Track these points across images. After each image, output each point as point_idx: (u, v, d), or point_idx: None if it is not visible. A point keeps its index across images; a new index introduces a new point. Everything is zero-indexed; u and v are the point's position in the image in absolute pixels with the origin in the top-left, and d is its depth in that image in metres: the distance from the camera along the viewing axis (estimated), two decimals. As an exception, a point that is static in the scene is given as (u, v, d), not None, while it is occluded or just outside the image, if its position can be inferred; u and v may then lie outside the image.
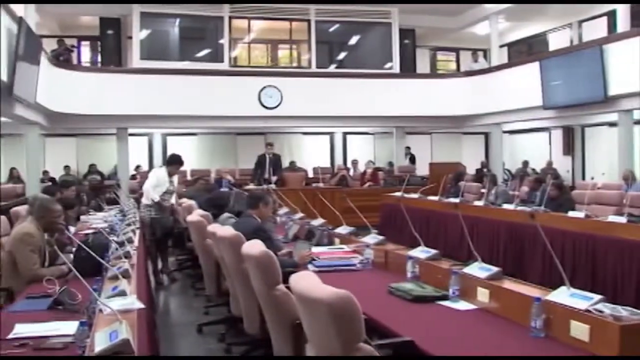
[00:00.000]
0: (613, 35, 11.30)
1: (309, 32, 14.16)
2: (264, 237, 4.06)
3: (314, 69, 14.12)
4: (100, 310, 2.69)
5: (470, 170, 13.88)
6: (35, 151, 10.87)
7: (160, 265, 7.52)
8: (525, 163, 14.78)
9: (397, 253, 4.27)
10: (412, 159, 15.47)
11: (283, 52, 15.48)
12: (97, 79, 12.28)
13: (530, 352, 2.53)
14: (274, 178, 11.32)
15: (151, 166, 14.18)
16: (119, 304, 2.76)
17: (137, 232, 5.89)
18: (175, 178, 7.53)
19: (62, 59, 12.17)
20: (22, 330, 2.68)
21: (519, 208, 7.42)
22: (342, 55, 15.15)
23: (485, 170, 13.26)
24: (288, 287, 2.77)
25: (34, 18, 11.00)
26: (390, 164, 15.15)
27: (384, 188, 12.16)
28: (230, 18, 13.77)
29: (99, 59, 15.01)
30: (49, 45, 11.88)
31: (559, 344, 2.55)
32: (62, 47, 12.56)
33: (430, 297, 3.34)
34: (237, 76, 13.20)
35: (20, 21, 8.16)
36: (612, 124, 12.20)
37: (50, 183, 11.39)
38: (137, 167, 14.47)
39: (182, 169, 8.54)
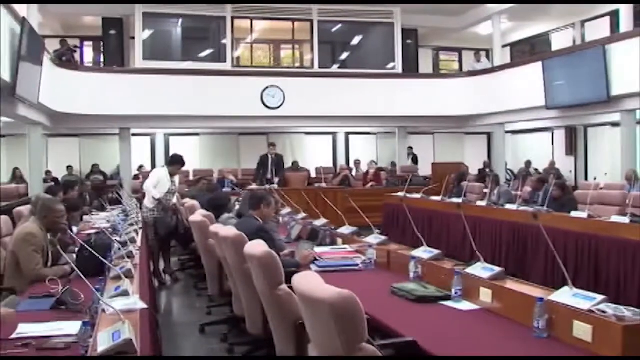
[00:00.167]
0: (616, 35, 11.27)
1: (312, 32, 14.16)
2: (265, 237, 4.06)
3: (316, 69, 14.12)
4: (103, 310, 2.70)
5: (473, 170, 13.87)
6: (37, 151, 10.88)
7: (162, 265, 7.52)
8: (528, 163, 14.76)
9: (399, 253, 4.27)
10: (415, 159, 15.46)
11: (285, 52, 15.48)
12: (99, 79, 12.30)
13: (533, 353, 2.53)
14: (276, 179, 11.32)
15: (154, 166, 14.18)
16: (122, 304, 2.77)
17: (140, 232, 5.90)
18: (177, 178, 7.54)
19: (65, 59, 12.17)
20: (25, 330, 2.68)
21: (522, 208, 7.41)
22: (344, 56, 15.15)
23: (487, 170, 13.25)
24: (291, 287, 2.77)
25: (36, 18, 11.04)
26: (393, 164, 15.12)
27: (387, 188, 12.16)
28: (233, 18, 13.78)
29: (102, 59, 15.05)
30: (52, 45, 11.89)
31: (562, 344, 2.55)
32: (64, 47, 12.57)
33: (433, 297, 3.33)
34: (240, 76, 13.20)
35: (23, 21, 8.18)
36: (614, 124, 12.18)
37: (52, 183, 11.40)
38: (140, 167, 14.48)
39: (184, 169, 8.56)
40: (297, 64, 14.98)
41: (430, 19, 15.09)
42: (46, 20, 13.01)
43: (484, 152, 16.93)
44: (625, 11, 11.42)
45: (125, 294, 3.03)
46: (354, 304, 2.16)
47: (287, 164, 13.40)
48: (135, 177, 13.63)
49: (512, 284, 3.15)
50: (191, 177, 13.45)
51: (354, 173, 14.22)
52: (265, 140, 14.87)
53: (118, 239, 4.76)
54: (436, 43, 17.30)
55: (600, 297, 2.58)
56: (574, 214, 6.63)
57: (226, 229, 4.27)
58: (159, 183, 7.26)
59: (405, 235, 8.44)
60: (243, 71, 13.69)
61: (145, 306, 2.89)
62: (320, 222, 6.21)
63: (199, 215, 5.86)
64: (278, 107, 12.91)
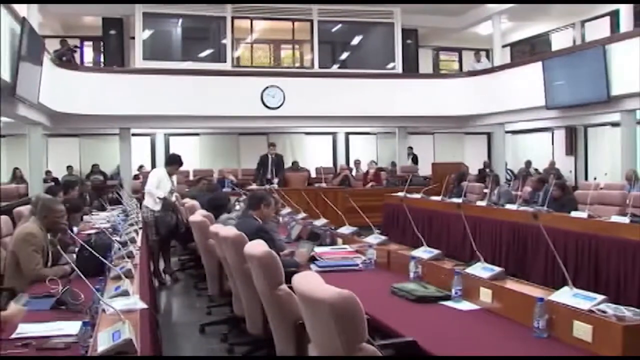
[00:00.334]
0: (616, 35, 11.27)
1: (312, 32, 14.16)
2: (265, 237, 4.06)
3: (316, 69, 14.12)
4: (103, 310, 2.70)
5: (473, 170, 13.87)
6: (38, 151, 10.88)
7: (162, 265, 7.52)
8: (528, 163, 14.76)
9: (399, 253, 4.27)
10: (415, 159, 15.46)
11: (285, 52, 15.48)
12: (99, 79, 12.30)
13: (533, 353, 2.53)
14: (275, 180, 11.31)
15: (154, 166, 14.17)
16: (122, 304, 2.77)
17: (140, 232, 5.90)
18: (175, 178, 7.54)
19: (65, 59, 12.18)
20: (25, 330, 2.68)
21: (522, 208, 7.41)
22: (344, 56, 15.14)
23: (487, 170, 13.25)
24: (291, 287, 2.77)
25: (36, 18, 11.03)
26: (393, 164, 15.12)
27: (387, 188, 12.16)
28: (233, 18, 13.78)
29: (102, 59, 15.05)
30: (52, 45, 11.90)
31: (562, 345, 2.55)
32: (64, 47, 12.57)
33: (433, 297, 3.34)
34: (240, 76, 13.20)
35: (23, 21, 8.17)
36: (614, 124, 12.18)
37: (52, 183, 11.40)
38: (140, 167, 14.48)
39: (184, 169, 8.55)
40: (297, 64, 14.98)
41: (430, 19, 15.09)
42: (46, 20, 13.01)
43: (484, 152, 16.93)
44: (625, 11, 11.42)
45: (125, 294, 3.03)
46: (354, 304, 2.16)
47: (287, 164, 13.40)
48: (136, 177, 13.64)
49: (512, 284, 3.15)
50: (191, 177, 13.45)
51: (354, 173, 14.22)
52: (265, 140, 14.87)
53: (118, 239, 4.76)
54: (436, 43, 17.30)
55: (600, 297, 2.58)
56: (574, 214, 6.64)
57: (226, 229, 4.27)
58: (160, 183, 7.26)
59: (405, 235, 8.44)
60: (243, 71, 13.69)
61: (145, 306, 2.89)
62: (320, 222, 6.22)
63: (199, 215, 5.86)
64: (278, 107, 12.91)
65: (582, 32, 14.50)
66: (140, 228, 6.16)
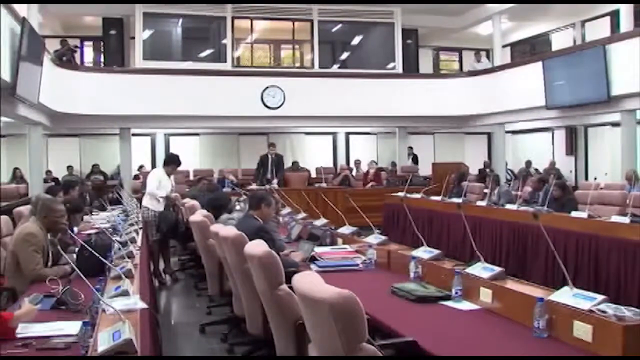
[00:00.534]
0: (616, 35, 11.27)
1: (312, 32, 14.16)
2: (266, 237, 4.06)
3: (316, 69, 14.12)
4: (103, 310, 2.70)
5: (473, 170, 13.87)
6: (38, 151, 10.88)
7: (162, 265, 7.52)
8: (528, 163, 14.75)
9: (399, 253, 4.27)
10: (415, 159, 15.46)
11: (286, 52, 15.48)
12: (99, 79, 12.29)
13: (533, 353, 2.53)
14: (275, 180, 11.31)
15: (154, 166, 14.17)
16: (122, 304, 2.77)
17: (140, 232, 5.90)
18: (172, 178, 7.54)
19: (65, 59, 12.18)
20: (25, 330, 2.68)
21: (522, 208, 7.41)
22: (344, 55, 15.14)
23: (488, 170, 13.24)
24: (291, 287, 2.77)
25: (36, 18, 11.03)
26: (393, 164, 15.12)
27: (387, 188, 12.15)
28: (233, 18, 13.78)
29: (102, 59, 15.05)
30: (52, 45, 11.89)
31: (562, 344, 2.55)
32: (65, 47, 12.57)
33: (433, 297, 3.34)
34: (240, 76, 13.20)
35: (23, 21, 8.17)
36: (615, 124, 12.18)
37: (53, 183, 11.40)
38: (140, 167, 14.48)
39: (184, 169, 8.54)
40: (298, 64, 14.97)
41: (431, 19, 15.09)
42: (46, 20, 13.01)
43: (484, 152, 16.93)
44: (626, 11, 11.41)
45: (125, 293, 3.03)
46: (354, 303, 2.16)
47: (287, 164, 13.40)
48: (136, 177, 13.64)
49: (512, 284, 3.15)
50: (191, 177, 13.45)
51: (354, 173, 14.22)
52: (265, 140, 14.86)
53: (118, 239, 4.76)
54: (436, 43, 17.30)
55: (600, 297, 2.58)
56: (574, 214, 6.63)
57: (226, 229, 4.27)
58: (160, 184, 7.28)
59: (405, 235, 8.45)
60: (243, 71, 13.69)
61: (145, 306, 2.90)
62: (320, 222, 6.22)
63: (199, 215, 5.86)
64: (278, 107, 12.91)
65: (582, 32, 14.50)
66: (140, 228, 6.17)
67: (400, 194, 9.78)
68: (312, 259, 4.56)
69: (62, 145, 14.96)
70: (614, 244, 5.68)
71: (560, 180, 8.67)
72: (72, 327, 2.64)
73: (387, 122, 14.42)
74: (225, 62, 13.67)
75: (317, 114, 13.25)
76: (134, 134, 13.40)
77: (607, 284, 5.64)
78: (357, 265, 4.36)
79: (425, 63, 16.85)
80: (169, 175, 7.39)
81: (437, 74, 16.85)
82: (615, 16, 12.63)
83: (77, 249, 4.21)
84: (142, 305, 2.88)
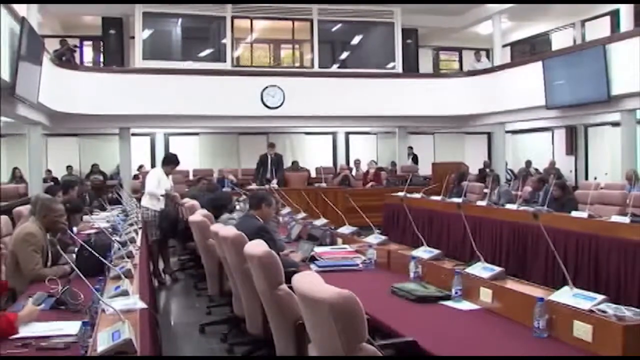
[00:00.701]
0: (616, 34, 11.26)
1: (312, 31, 14.15)
2: (266, 237, 4.06)
3: (316, 68, 14.11)
4: (103, 310, 2.70)
5: (473, 170, 13.87)
6: (37, 151, 10.88)
7: (162, 265, 7.52)
8: (528, 163, 14.75)
9: (399, 253, 4.27)
10: (415, 159, 15.46)
11: (285, 52, 15.48)
12: (99, 79, 12.29)
13: (533, 352, 2.53)
14: (275, 180, 11.31)
15: (154, 166, 14.16)
16: (122, 304, 2.77)
17: (140, 232, 5.90)
18: (171, 177, 7.54)
19: (65, 58, 12.18)
20: (24, 330, 2.68)
21: (522, 208, 7.41)
22: (344, 55, 15.13)
23: (488, 170, 13.25)
24: (291, 287, 2.77)
25: (36, 18, 11.02)
26: (393, 163, 15.13)
27: (387, 188, 12.16)
28: (233, 18, 13.77)
29: (102, 59, 15.04)
30: (52, 45, 11.90)
31: (562, 344, 2.55)
32: (64, 47, 12.57)
33: (433, 297, 3.34)
34: (240, 76, 13.20)
35: (22, 21, 8.17)
36: (615, 124, 12.18)
37: (52, 183, 11.40)
38: (140, 167, 14.47)
39: (184, 168, 8.53)
40: (297, 64, 14.97)
41: (431, 19, 15.08)
42: (46, 20, 13.00)
43: (484, 151, 16.93)
44: (626, 10, 11.41)
45: (124, 293, 3.03)
46: (354, 303, 2.16)
47: (287, 163, 13.41)
48: (135, 177, 13.64)
49: (512, 284, 3.15)
50: (191, 177, 13.45)
51: (354, 173, 14.22)
52: (265, 140, 14.86)
53: (118, 238, 4.76)
54: (436, 43, 17.29)
55: (600, 297, 2.58)
56: (574, 213, 6.63)
57: (226, 229, 4.27)
58: (159, 183, 7.28)
59: (405, 235, 8.45)
60: (243, 71, 13.68)
61: (144, 306, 2.89)
62: (320, 222, 6.22)
63: (199, 215, 5.86)
64: (278, 107, 12.90)
65: (582, 31, 14.50)
66: (139, 228, 6.17)
67: (400, 193, 9.79)
68: (312, 259, 4.56)
69: (62, 145, 14.96)
70: (614, 244, 5.68)
71: (560, 180, 8.67)
72: (71, 327, 2.64)
73: (387, 121, 14.42)
74: (225, 61, 13.67)
75: (316, 114, 13.24)
76: (133, 134, 13.40)
77: (607, 283, 5.64)
78: (357, 265, 4.36)
79: (425, 63, 16.85)
80: (167, 174, 7.40)
81: (437, 73, 16.85)
82: (615, 16, 12.63)
83: (76, 249, 4.21)
84: (141, 305, 2.88)
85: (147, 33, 13.41)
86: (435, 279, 3.62)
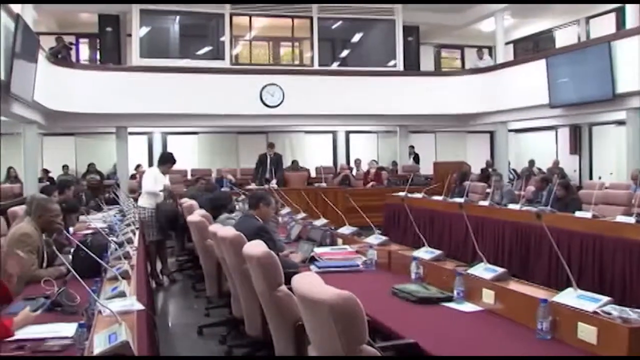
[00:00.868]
0: (622, 31, 11.25)
1: (312, 29, 14.15)
2: (266, 237, 4.07)
3: (316, 66, 14.11)
4: (100, 312, 2.70)
5: (475, 169, 13.87)
6: (33, 150, 10.89)
7: (160, 266, 7.52)
8: (532, 162, 14.76)
9: (400, 254, 4.27)
10: (416, 158, 15.47)
11: (285, 50, 15.48)
12: (96, 77, 12.30)
13: (537, 355, 2.53)
14: (274, 180, 11.31)
15: (151, 165, 14.16)
16: (119, 306, 2.77)
17: (137, 232, 5.90)
18: (167, 177, 7.54)
19: (61, 56, 12.18)
20: (20, 332, 2.68)
21: (525, 208, 7.41)
22: (345, 53, 15.14)
23: (490, 170, 13.25)
24: (290, 288, 2.77)
25: (31, 15, 11.03)
26: (394, 163, 15.13)
27: (388, 188, 12.17)
28: (232, 15, 13.77)
29: (98, 56, 15.02)
30: (47, 42, 11.89)
31: (566, 347, 2.55)
32: (60, 44, 12.57)
33: (435, 298, 3.34)
34: (239, 74, 13.21)
35: (17, 18, 8.17)
36: (620, 123, 12.18)
37: (48, 183, 11.40)
38: (137, 166, 14.47)
39: (182, 168, 8.52)
40: (297, 62, 14.97)
41: (432, 16, 15.07)
42: (41, 17, 13.00)
43: (486, 151, 16.93)
44: (632, 7, 11.40)
45: (122, 295, 3.03)
46: (354, 305, 2.16)
47: (287, 163, 13.41)
48: (133, 177, 13.63)
49: (515, 285, 3.15)
50: (189, 177, 13.44)
51: (354, 172, 14.23)
52: (264, 139, 14.86)
53: (115, 239, 4.76)
54: (438, 40, 17.28)
55: (605, 299, 2.58)
56: (578, 214, 6.63)
57: (225, 229, 4.27)
58: (156, 182, 7.28)
59: (406, 236, 8.46)
60: (242, 69, 13.68)
61: (142, 307, 2.89)
62: (320, 222, 6.22)
63: (197, 215, 5.86)
64: (277, 106, 12.91)
65: (586, 28, 14.50)
66: (137, 228, 6.17)
67: (401, 193, 9.79)
68: (312, 260, 4.56)
69: (58, 144, 14.95)
70: (619, 245, 5.68)
71: (564, 180, 8.68)
72: (67, 329, 2.63)
73: (388, 120, 14.42)
74: (224, 59, 13.66)
75: (316, 113, 13.25)
76: (130, 133, 13.41)
77: (612, 285, 5.64)
78: (358, 266, 4.36)
79: (427, 61, 16.83)
80: (164, 174, 7.39)
81: (438, 71, 16.85)
82: (620, 12, 12.62)
83: (72, 250, 4.20)
84: (139, 306, 2.88)
85: (144, 30, 13.40)
86: (437, 280, 3.61)
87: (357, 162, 14.93)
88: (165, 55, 13.54)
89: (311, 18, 14.14)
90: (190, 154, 15.10)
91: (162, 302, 6.80)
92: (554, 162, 14.46)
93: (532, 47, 16.30)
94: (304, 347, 2.83)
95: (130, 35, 13.70)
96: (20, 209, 5.94)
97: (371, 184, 12.93)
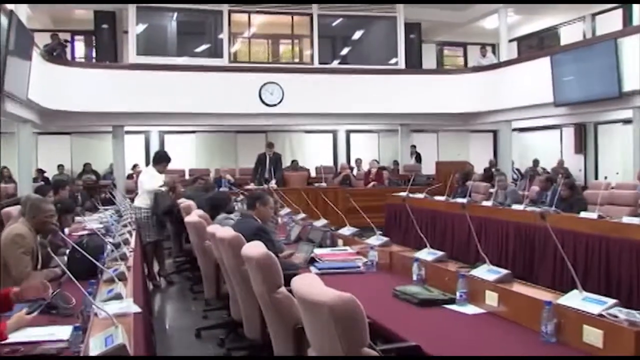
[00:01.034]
0: (629, 28, 11.25)
1: (312, 26, 14.15)
2: (265, 238, 4.07)
3: (316, 64, 14.12)
4: (95, 314, 2.69)
5: (478, 169, 13.87)
6: (27, 150, 10.89)
7: (157, 267, 7.52)
8: (536, 162, 14.75)
9: (402, 255, 4.27)
10: (418, 158, 15.47)
11: (284, 48, 15.48)
12: (91, 75, 12.30)
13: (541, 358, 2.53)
14: (273, 180, 11.31)
15: (148, 165, 14.17)
16: (115, 308, 2.77)
17: (134, 233, 5.90)
18: (164, 176, 7.54)
19: (55, 54, 12.18)
20: (14, 335, 2.68)
21: (529, 209, 7.41)
22: (345, 51, 15.14)
23: (493, 170, 13.25)
24: (290, 290, 2.77)
25: (25, 12, 11.01)
26: (395, 162, 15.14)
27: (389, 188, 12.19)
28: (230, 12, 13.77)
29: (94, 54, 15.03)
30: (42, 40, 11.89)
31: (571, 350, 2.54)
32: (55, 41, 12.57)
33: (437, 300, 3.34)
34: (237, 72, 13.21)
35: (10, 15, 8.16)
36: (626, 121, 12.17)
37: (43, 183, 11.40)
38: (134, 166, 14.47)
39: (180, 167, 8.51)
40: (297, 60, 14.97)
41: (434, 13, 15.08)
42: (35, 14, 12.98)
43: (489, 150, 16.94)
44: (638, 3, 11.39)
45: (118, 297, 3.03)
46: (355, 307, 2.16)
47: (286, 163, 13.42)
48: (129, 177, 13.63)
49: (519, 287, 3.15)
50: (187, 177, 13.45)
51: (355, 172, 14.23)
52: (263, 139, 14.85)
53: (111, 240, 4.76)
54: (440, 38, 17.28)
55: (611, 301, 2.57)
56: (583, 214, 6.63)
57: (223, 230, 4.27)
58: (154, 179, 7.29)
59: (407, 237, 8.46)
60: (240, 67, 13.68)
61: (139, 310, 2.89)
62: (320, 222, 6.23)
63: (195, 215, 5.86)
64: (277, 104, 12.92)
65: (592, 25, 14.48)
66: (133, 229, 6.17)
67: (403, 193, 9.80)
68: (312, 261, 4.57)
69: (53, 144, 14.96)
70: (626, 246, 5.67)
71: (569, 180, 8.66)
72: (62, 332, 2.64)
73: (389, 119, 14.42)
74: (222, 57, 13.67)
75: (316, 111, 13.25)
76: (127, 132, 13.40)
77: (618, 287, 5.64)
78: (358, 267, 4.36)
79: (429, 58, 16.84)
80: (160, 173, 7.38)
81: (440, 69, 16.85)
82: (627, 9, 12.61)
83: (68, 251, 4.20)
84: (135, 309, 2.88)
85: (141, 27, 13.41)
86: (439, 281, 3.61)
87: (358, 162, 14.94)
88: (163, 52, 13.54)
89: (311, 15, 14.14)
90: (188, 154, 15.13)
91: (160, 304, 6.80)
92: (559, 161, 14.46)
93: (536, 45, 16.29)
94: (304, 349, 2.83)
95: (126, 32, 13.72)
96: (14, 210, 5.93)
97: (372, 184, 12.94)
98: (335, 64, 14.72)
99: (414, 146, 15.48)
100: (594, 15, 14.40)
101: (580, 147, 15.12)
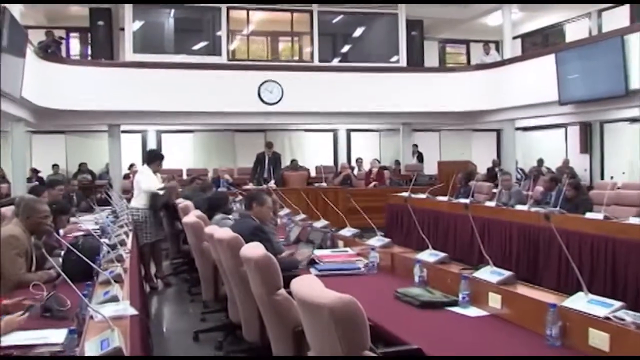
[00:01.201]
0: (636, 24, 11.24)
1: (311, 23, 14.16)
2: (262, 237, 4.07)
3: (316, 62, 14.12)
4: (91, 317, 2.69)
5: (481, 169, 13.89)
6: (21, 149, 10.88)
7: (154, 269, 7.52)
8: (540, 161, 14.77)
9: (403, 256, 4.27)
10: (420, 158, 15.48)
11: (284, 45, 15.49)
12: (87, 73, 12.30)
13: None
14: (272, 180, 11.31)
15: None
16: (111, 310, 2.76)
17: (130, 234, 5.90)
18: (159, 176, 7.54)
19: (50, 51, 12.17)
20: (6, 338, 2.67)
21: (533, 209, 7.41)
22: (346, 48, 15.15)
23: (497, 169, 13.26)
24: (289, 292, 2.77)
25: (18, 7, 11.00)
26: (397, 162, 15.14)
27: (390, 188, 12.19)
28: (228, 9, 13.77)
29: (89, 51, 15.03)
30: (36, 36, 11.89)
31: (577, 354, 2.54)
32: (49, 38, 12.57)
33: (439, 302, 3.34)
34: (236, 70, 13.20)
35: (3, 11, 8.15)
36: (633, 120, 12.18)
37: (37, 182, 11.40)
38: (131, 166, 14.46)
39: (178, 167, 8.51)
40: (296, 57, 14.98)
41: (436, 9, 15.05)
42: (29, 10, 12.97)
43: (493, 150, 16.94)
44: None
45: (114, 299, 3.02)
46: (356, 309, 2.16)
47: (286, 162, 13.42)
48: (126, 177, 13.63)
49: (522, 289, 3.15)
50: (184, 177, 13.45)
51: (355, 172, 14.24)
52: (262, 138, 14.86)
53: (107, 241, 4.76)
54: (442, 35, 17.29)
55: (617, 304, 2.57)
56: (588, 215, 6.63)
57: (222, 231, 4.27)
58: (152, 179, 7.30)
59: (409, 238, 8.47)
60: (239, 65, 13.68)
61: (135, 312, 2.89)
62: (320, 223, 6.23)
63: (193, 216, 5.86)
64: (276, 103, 12.92)
65: (598, 22, 14.49)
66: (130, 230, 6.17)
67: (404, 194, 9.79)
68: (312, 262, 4.56)
69: (47, 143, 14.97)
70: (632, 247, 5.67)
71: (574, 180, 8.66)
72: (57, 335, 2.63)
73: (391, 118, 14.42)
74: (220, 55, 13.68)
75: (316, 110, 13.25)
76: (123, 131, 13.41)
77: (624, 289, 5.63)
78: (359, 268, 4.36)
79: (431, 56, 16.84)
80: (155, 172, 7.38)
81: (443, 67, 16.84)
82: (634, 5, 12.59)
83: (63, 253, 4.20)
84: (132, 311, 2.88)
85: (137, 24, 13.41)
86: (441, 283, 3.61)
87: (359, 162, 14.94)
88: (160, 50, 13.54)
89: (311, 12, 14.15)
90: (185, 153, 15.14)
91: (157, 306, 6.80)
92: (564, 161, 14.47)
93: (540, 42, 16.30)
94: (304, 352, 2.83)
95: (122, 29, 13.70)
96: (7, 210, 5.92)
97: (373, 184, 12.94)
98: (335, 61, 14.73)
99: (415, 145, 15.49)
100: (600, 11, 14.41)
101: (586, 146, 15.11)
